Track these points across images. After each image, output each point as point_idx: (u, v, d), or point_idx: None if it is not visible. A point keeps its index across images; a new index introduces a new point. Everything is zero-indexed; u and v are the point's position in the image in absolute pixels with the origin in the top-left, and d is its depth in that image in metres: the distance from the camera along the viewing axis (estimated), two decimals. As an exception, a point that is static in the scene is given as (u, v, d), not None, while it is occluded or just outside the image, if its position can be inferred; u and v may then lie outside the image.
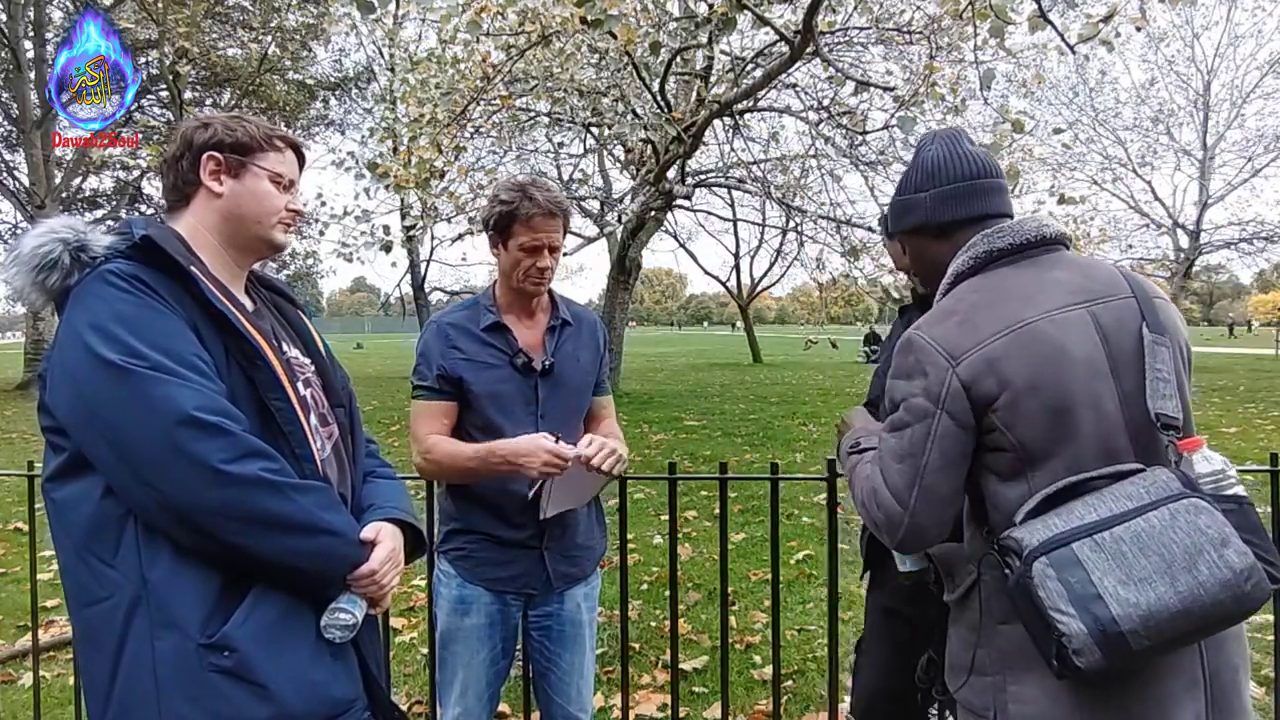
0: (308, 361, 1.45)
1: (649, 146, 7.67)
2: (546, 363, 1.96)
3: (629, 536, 2.97)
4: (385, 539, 1.36)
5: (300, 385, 1.37)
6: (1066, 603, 1.10)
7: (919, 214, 1.43)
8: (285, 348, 1.40)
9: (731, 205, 20.69)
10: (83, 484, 1.18)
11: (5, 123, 17.66)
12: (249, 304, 1.41)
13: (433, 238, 15.74)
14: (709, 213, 20.85)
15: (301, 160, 1.47)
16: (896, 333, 2.07)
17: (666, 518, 3.10)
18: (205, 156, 1.34)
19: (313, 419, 1.37)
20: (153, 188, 17.43)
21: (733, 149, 10.20)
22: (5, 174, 16.58)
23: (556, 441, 1.82)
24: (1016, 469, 1.25)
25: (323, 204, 7.06)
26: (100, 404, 1.14)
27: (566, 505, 1.93)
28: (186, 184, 1.36)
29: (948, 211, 1.40)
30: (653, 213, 10.55)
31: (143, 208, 18.33)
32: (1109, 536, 1.12)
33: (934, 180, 1.41)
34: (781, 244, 23.20)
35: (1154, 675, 1.20)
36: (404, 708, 3.07)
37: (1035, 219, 1.37)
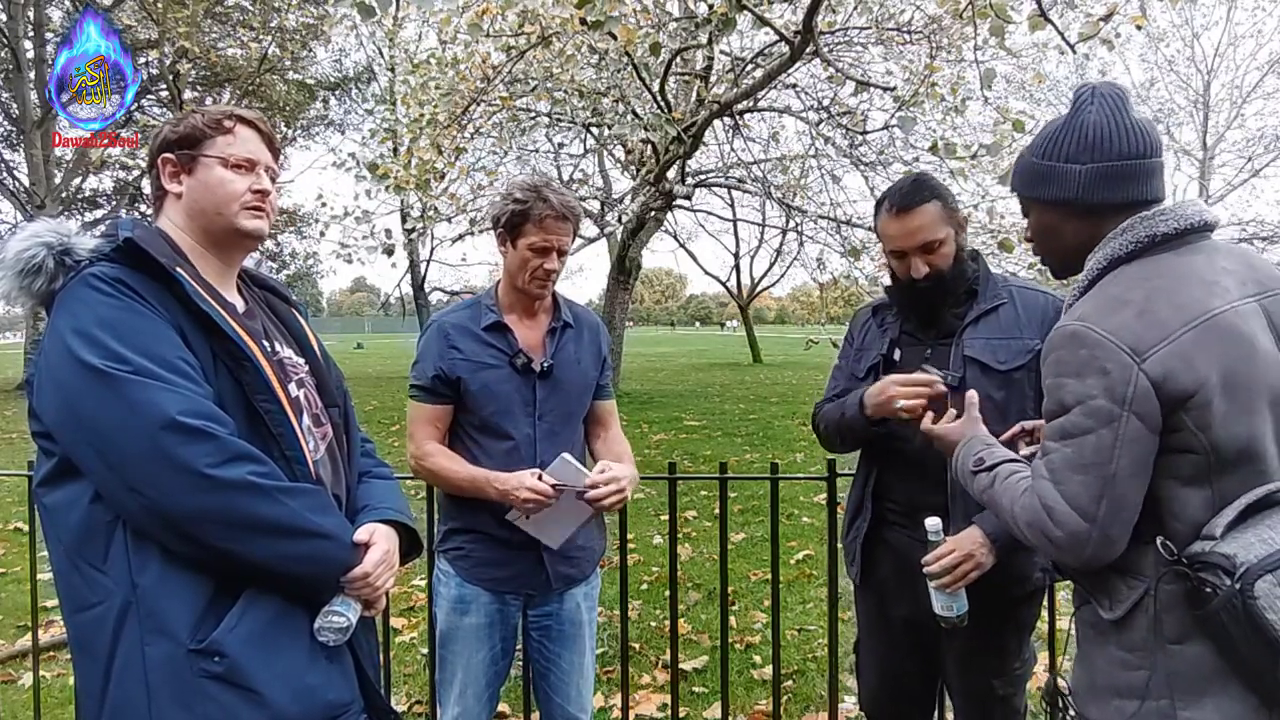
0: (301, 361, 1.43)
1: (649, 146, 7.67)
2: (546, 364, 1.95)
3: (629, 536, 2.97)
4: (379, 541, 1.35)
5: (293, 386, 1.35)
6: None
7: (1067, 188, 1.26)
8: (277, 348, 1.38)
9: (731, 205, 20.70)
10: (72, 489, 1.18)
11: (5, 123, 17.63)
12: (240, 304, 1.38)
13: (433, 238, 15.79)
14: (709, 213, 20.88)
15: (267, 137, 1.38)
16: (861, 322, 1.99)
17: (666, 518, 3.10)
18: (161, 161, 1.33)
19: (305, 420, 1.35)
20: (153, 188, 17.37)
21: (733, 149, 10.20)
22: (5, 174, 16.54)
23: (539, 478, 1.81)
24: (1201, 474, 1.15)
25: (323, 204, 7.04)
26: (85, 409, 1.13)
27: (550, 531, 1.89)
28: (158, 192, 1.35)
29: (1103, 192, 1.24)
30: (653, 213, 10.55)
31: (142, 208, 18.30)
32: None
33: (1093, 153, 1.23)
34: (781, 244, 23.23)
35: None
36: (404, 708, 3.07)
37: (1194, 203, 1.24)
